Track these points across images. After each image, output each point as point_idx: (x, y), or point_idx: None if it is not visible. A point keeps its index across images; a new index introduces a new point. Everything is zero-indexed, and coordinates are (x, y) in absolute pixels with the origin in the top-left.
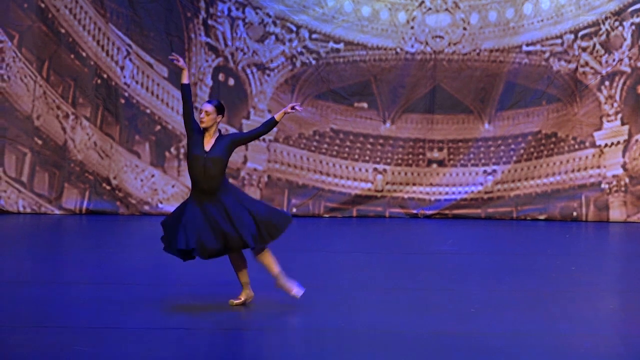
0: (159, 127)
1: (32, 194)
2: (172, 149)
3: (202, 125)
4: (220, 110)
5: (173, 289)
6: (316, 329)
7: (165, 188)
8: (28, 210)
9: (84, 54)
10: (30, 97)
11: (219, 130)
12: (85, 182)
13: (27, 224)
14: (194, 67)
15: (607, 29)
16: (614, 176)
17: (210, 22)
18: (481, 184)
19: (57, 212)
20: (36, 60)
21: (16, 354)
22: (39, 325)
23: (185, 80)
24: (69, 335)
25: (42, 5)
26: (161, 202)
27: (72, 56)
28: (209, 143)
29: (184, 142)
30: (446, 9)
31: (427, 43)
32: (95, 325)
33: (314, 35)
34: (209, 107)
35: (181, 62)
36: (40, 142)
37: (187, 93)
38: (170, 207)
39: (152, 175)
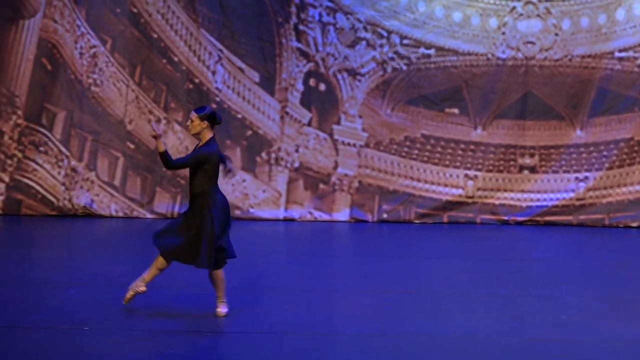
0: (250, 132)
1: (124, 197)
2: (264, 154)
3: (189, 132)
4: (204, 117)
5: (264, 293)
6: (407, 334)
7: (256, 193)
8: (120, 214)
9: (175, 59)
10: (123, 101)
11: (211, 138)
12: (176, 187)
13: (119, 227)
14: (285, 72)
15: None
16: None
17: (301, 27)
18: (573, 190)
19: (149, 216)
20: (128, 65)
21: (110, 356)
22: (131, 329)
23: (162, 148)
24: (162, 339)
25: (135, 11)
26: (252, 207)
27: (164, 61)
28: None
29: (275, 147)
30: (538, 15)
31: (518, 49)
32: (191, 329)
33: (405, 41)
34: (193, 114)
35: (158, 130)
36: (132, 146)
37: (168, 158)
38: (261, 212)
39: (243, 180)
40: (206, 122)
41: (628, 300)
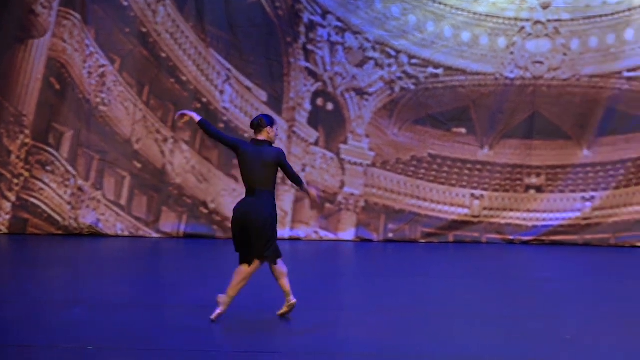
0: None
1: (130, 217)
2: None
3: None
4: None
5: (267, 313)
6: (412, 355)
7: None
8: (126, 233)
9: (184, 78)
10: (130, 120)
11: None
12: (183, 206)
13: (124, 247)
14: (292, 91)
15: None
16: None
17: (309, 47)
18: (579, 210)
19: (154, 235)
20: (137, 84)
21: None
22: (139, 348)
23: (196, 118)
24: (167, 359)
25: (144, 30)
26: None
27: (172, 80)
28: None
29: None
30: (546, 35)
31: (526, 69)
32: (193, 349)
33: (413, 61)
34: None
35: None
36: (139, 165)
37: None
38: None
39: None
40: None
41: (633, 320)
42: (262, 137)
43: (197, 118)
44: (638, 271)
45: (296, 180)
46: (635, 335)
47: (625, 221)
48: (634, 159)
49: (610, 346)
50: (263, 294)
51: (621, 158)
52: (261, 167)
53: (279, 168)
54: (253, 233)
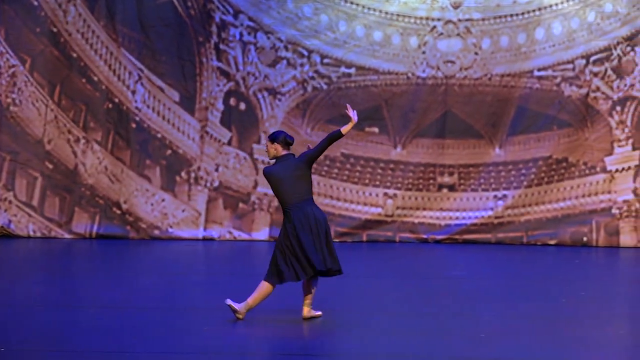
0: (169, 151)
1: (42, 218)
2: (183, 174)
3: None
4: (273, 140)
5: (184, 313)
6: (329, 353)
7: (175, 212)
8: (38, 234)
9: (95, 79)
10: (42, 121)
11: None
12: (95, 206)
13: (37, 248)
14: (205, 91)
15: (618, 54)
16: (624, 201)
17: (221, 46)
18: (491, 208)
19: (67, 236)
20: (48, 85)
21: None
22: (51, 349)
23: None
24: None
25: (55, 30)
26: (171, 227)
27: (84, 80)
28: None
29: (195, 166)
30: (458, 34)
31: (438, 68)
32: (106, 350)
33: (325, 60)
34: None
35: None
36: (51, 166)
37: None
38: (180, 232)
39: (163, 200)
40: (276, 144)
41: (546, 317)
42: (287, 151)
43: (344, 128)
44: (550, 269)
45: (333, 139)
46: (548, 332)
47: (537, 219)
48: (545, 158)
49: (524, 344)
50: (174, 294)
51: (533, 157)
52: (296, 179)
53: (312, 163)
54: (325, 233)
